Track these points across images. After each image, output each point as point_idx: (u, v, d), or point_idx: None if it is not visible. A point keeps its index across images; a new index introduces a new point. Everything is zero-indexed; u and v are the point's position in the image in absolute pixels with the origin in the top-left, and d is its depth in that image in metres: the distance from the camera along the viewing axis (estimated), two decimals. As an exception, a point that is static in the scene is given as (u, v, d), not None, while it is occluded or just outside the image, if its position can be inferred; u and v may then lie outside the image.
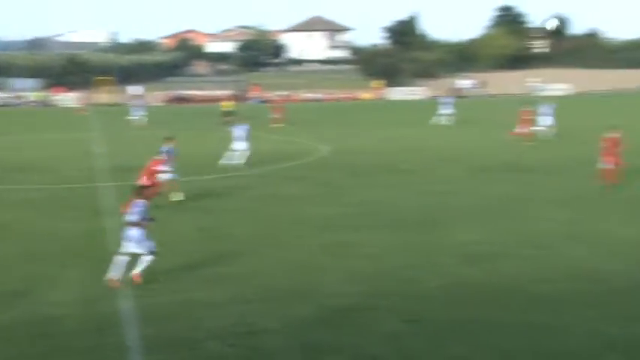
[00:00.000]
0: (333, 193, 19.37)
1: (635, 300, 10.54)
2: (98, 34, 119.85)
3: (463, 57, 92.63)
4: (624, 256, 12.76)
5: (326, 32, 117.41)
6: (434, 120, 41.00)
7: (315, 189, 19.92)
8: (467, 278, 11.56)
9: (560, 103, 32.90)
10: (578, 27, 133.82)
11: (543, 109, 32.55)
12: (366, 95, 72.83)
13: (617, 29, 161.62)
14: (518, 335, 9.20)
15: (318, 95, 71.44)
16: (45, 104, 65.78)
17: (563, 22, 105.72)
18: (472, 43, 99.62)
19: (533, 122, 31.21)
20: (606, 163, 19.43)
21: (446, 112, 40.86)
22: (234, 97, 58.68)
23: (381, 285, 11.26)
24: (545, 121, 32.00)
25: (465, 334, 9.23)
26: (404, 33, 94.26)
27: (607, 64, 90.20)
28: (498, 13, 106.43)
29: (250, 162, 23.70)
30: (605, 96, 63.33)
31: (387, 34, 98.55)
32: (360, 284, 11.29)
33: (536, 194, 18.64)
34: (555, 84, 70.06)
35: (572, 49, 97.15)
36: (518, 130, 30.84)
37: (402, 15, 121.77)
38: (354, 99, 71.30)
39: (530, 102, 36.99)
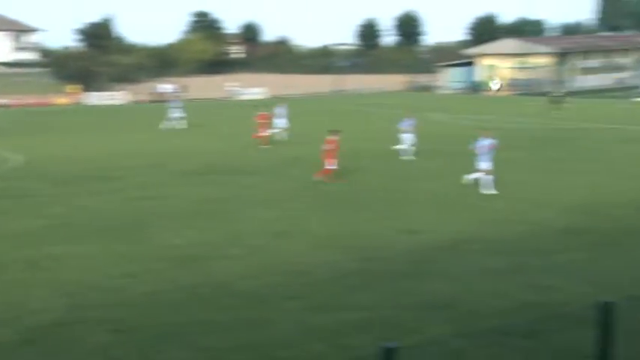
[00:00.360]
0: (32, 204, 17.98)
1: (337, 289, 11.49)
2: None
3: (163, 61, 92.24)
4: (327, 249, 13.85)
5: (10, 32, 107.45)
6: (165, 124, 39.39)
7: (11, 202, 18.29)
8: (178, 281, 11.64)
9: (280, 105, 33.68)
10: (269, 34, 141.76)
11: (278, 110, 32.73)
12: (61, 100, 68.50)
13: (304, 37, 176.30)
14: (230, 333, 9.51)
15: (4, 101, 65.10)
16: None
17: (255, 29, 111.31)
18: (171, 48, 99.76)
19: (270, 125, 31.14)
20: (328, 164, 20.99)
21: (176, 115, 39.63)
22: None
23: (90, 296, 10.84)
24: (279, 123, 32.29)
25: (176, 338, 9.29)
26: (98, 36, 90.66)
27: (297, 70, 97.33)
28: (194, 19, 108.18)
29: None
30: (300, 99, 68.04)
31: (80, 37, 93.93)
32: (67, 298, 10.76)
33: (251, 195, 19.22)
34: (252, 88, 73.24)
35: (266, 55, 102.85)
36: (258, 133, 30.24)
37: (96, 17, 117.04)
38: (49, 104, 66.55)
39: (265, 105, 37.22)
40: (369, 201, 18.80)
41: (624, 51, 70.92)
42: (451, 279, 12.35)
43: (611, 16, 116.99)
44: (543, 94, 59.25)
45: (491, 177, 19.79)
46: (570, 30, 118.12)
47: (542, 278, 12.20)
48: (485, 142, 19.99)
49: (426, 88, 71.42)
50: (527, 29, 69.79)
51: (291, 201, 18.60)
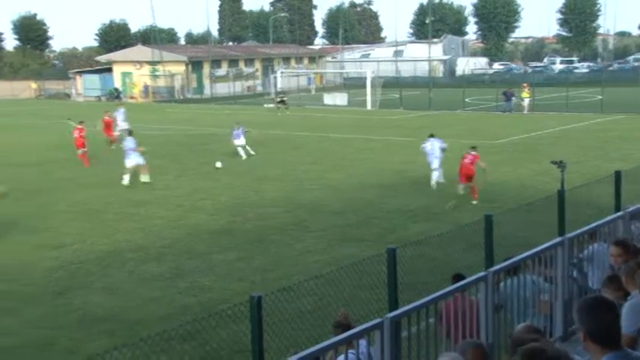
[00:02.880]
0: None
1: None
2: None
3: None
4: None
5: None
6: None
7: None
8: None
9: None
10: None
11: None
12: None
13: None
14: None
15: None
16: None
17: None
18: None
19: None
20: None
21: None
22: None
23: None
24: None
25: None
26: None
27: None
28: None
29: None
30: None
31: None
32: None
33: None
34: None
35: None
36: None
37: None
38: None
39: None
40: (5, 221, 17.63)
41: (250, 60, 77.00)
42: (109, 291, 12.10)
43: (233, 27, 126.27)
44: (183, 100, 61.62)
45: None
46: (197, 40, 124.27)
47: (200, 280, 12.66)
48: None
49: (61, 96, 68.17)
50: (157, 37, 71.06)
51: None
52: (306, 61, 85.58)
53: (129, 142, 22.99)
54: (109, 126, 31.74)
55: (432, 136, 21.61)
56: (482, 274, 6.28)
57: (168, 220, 17.36)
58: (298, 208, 18.38)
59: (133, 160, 22.38)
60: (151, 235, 15.94)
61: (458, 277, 7.09)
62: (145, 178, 22.42)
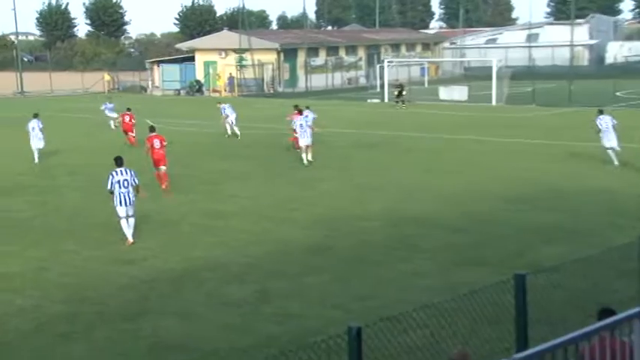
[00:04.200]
0: None
1: (41, 341, 11.36)
2: None
3: None
4: (18, 293, 13.69)
5: None
6: None
7: None
8: None
9: None
10: None
11: None
12: None
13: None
14: None
15: None
16: None
17: None
18: None
19: None
20: None
21: None
22: None
23: None
24: None
25: None
26: None
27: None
28: None
29: None
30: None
31: None
32: None
33: None
34: None
35: None
36: None
37: None
38: None
39: None
40: (68, 227, 18.52)
41: (352, 47, 77.39)
42: (183, 315, 12.36)
43: (333, 9, 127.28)
44: (273, 94, 62.71)
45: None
46: (291, 24, 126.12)
47: (288, 305, 12.72)
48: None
49: (136, 89, 70.92)
50: (246, 21, 72.61)
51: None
52: (419, 48, 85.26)
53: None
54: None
55: (601, 112, 25.44)
56: (637, 309, 5.96)
57: (253, 235, 17.60)
58: (406, 223, 18.27)
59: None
60: (232, 252, 16.18)
61: (606, 313, 6.87)
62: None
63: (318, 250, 16.20)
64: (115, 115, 39.12)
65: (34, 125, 29.85)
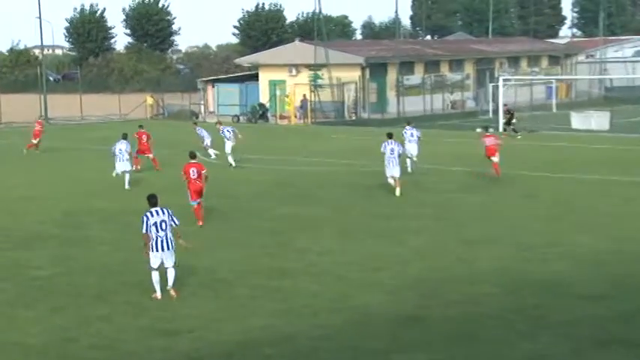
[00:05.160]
0: None
1: None
2: None
3: None
4: None
5: None
6: None
7: None
8: None
9: None
10: None
11: None
12: None
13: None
14: None
15: None
16: None
17: None
18: None
19: None
20: None
21: None
22: None
23: None
24: None
25: None
26: None
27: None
28: None
29: None
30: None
31: None
32: None
33: None
34: None
35: None
36: None
37: None
38: None
39: None
40: (98, 289, 18.84)
41: (457, 62, 77.31)
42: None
43: (433, 14, 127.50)
44: (355, 122, 62.86)
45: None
46: (380, 32, 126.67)
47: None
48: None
49: (185, 115, 71.58)
50: (323, 29, 73.23)
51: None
52: (544, 62, 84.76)
53: None
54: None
55: None
56: None
57: (326, 300, 17.60)
58: (526, 288, 18.04)
59: None
60: (300, 322, 16.21)
61: None
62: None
63: (409, 321, 16.10)
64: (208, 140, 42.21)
65: (121, 147, 33.56)
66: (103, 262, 21.35)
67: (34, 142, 45.45)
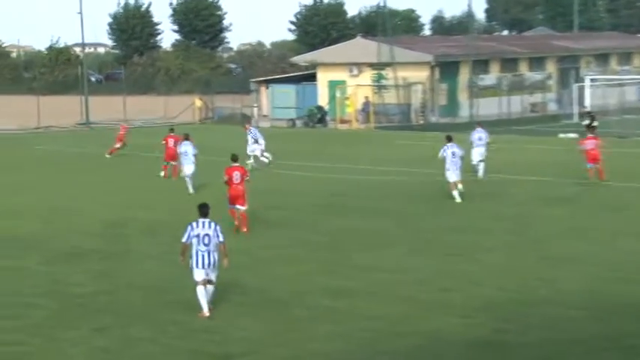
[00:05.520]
0: None
1: None
2: None
3: None
4: None
5: None
6: None
7: None
8: None
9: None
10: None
11: None
12: None
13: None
14: None
15: None
16: None
17: None
18: None
19: None
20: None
21: None
22: None
23: None
24: None
25: None
26: None
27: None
28: None
29: None
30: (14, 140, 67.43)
31: None
32: None
33: None
34: None
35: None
36: None
37: None
38: None
39: None
40: (142, 308, 19.05)
41: (538, 60, 76.72)
42: None
43: (511, 7, 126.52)
44: (423, 127, 62.59)
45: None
46: (451, 27, 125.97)
47: None
48: None
49: (237, 118, 71.75)
50: (388, 24, 72.99)
51: None
52: (637, 59, 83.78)
53: None
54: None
55: None
56: None
57: (389, 323, 17.56)
58: (616, 313, 17.88)
59: None
60: (361, 346, 16.20)
61: None
62: None
63: (483, 347, 16.04)
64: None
65: (187, 149, 35.26)
66: (148, 279, 21.57)
67: (117, 146, 47.18)
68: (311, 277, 21.43)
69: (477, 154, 36.19)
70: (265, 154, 42.02)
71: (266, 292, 20.09)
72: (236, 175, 26.20)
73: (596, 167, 34.08)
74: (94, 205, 31.76)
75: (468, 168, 34.33)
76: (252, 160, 40.39)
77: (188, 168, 34.93)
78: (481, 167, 35.99)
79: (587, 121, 49.95)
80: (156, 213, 30.34)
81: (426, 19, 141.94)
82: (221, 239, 18.31)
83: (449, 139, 32.24)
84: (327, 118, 68.32)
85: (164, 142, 39.51)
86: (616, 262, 21.97)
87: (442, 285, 20.30)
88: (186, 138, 36.20)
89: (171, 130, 41.11)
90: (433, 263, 22.48)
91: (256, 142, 41.71)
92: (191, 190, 33.93)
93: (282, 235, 26.23)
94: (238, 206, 26.16)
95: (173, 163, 38.37)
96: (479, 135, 36.46)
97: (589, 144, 34.11)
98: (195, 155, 35.12)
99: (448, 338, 16.58)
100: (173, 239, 25.08)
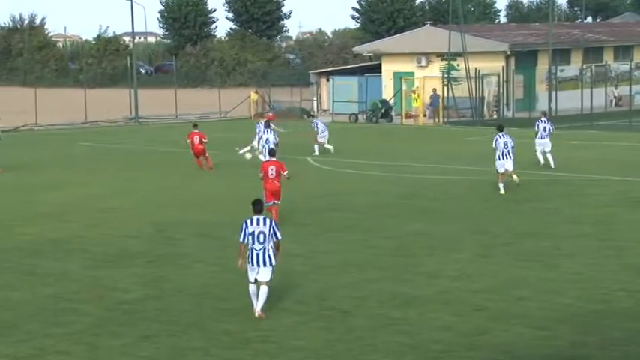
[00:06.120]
0: None
1: None
2: None
3: None
4: None
5: None
6: None
7: None
8: None
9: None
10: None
11: None
12: None
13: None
14: None
15: None
16: None
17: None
18: None
19: None
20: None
21: None
22: None
23: None
24: None
25: None
26: None
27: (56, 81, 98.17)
28: None
29: None
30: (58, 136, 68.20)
31: None
32: None
33: None
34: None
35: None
36: None
37: None
38: None
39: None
40: (194, 315, 19.03)
41: (625, 49, 75.90)
42: None
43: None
44: (496, 122, 62.12)
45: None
46: (529, 14, 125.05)
47: None
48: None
49: (295, 113, 71.87)
50: (460, 11, 72.54)
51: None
52: None
53: None
54: None
55: None
56: None
57: (460, 335, 17.49)
58: None
59: None
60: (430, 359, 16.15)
61: None
62: None
63: (563, 361, 15.91)
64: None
65: (268, 137, 36.42)
66: (200, 284, 21.65)
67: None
68: (375, 283, 21.37)
69: (542, 145, 37.49)
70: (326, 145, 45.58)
71: (326, 299, 20.08)
72: (271, 170, 27.29)
73: None
74: (141, 206, 31.99)
75: (546, 165, 34.02)
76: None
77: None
78: (550, 158, 37.39)
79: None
80: (207, 215, 30.46)
81: (501, 4, 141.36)
82: (278, 236, 18.57)
83: (500, 129, 33.84)
84: (392, 112, 68.15)
85: (189, 139, 40.65)
86: None
87: (517, 293, 20.15)
88: (267, 125, 37.95)
89: (195, 126, 42.51)
90: (508, 270, 22.33)
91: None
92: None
93: (344, 239, 26.20)
94: (274, 201, 27.33)
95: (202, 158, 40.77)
96: (544, 125, 37.26)
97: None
98: (276, 144, 35.42)
99: (524, 352, 16.47)
100: (225, 242, 25.33)
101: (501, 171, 32.46)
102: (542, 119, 38.05)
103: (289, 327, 18.05)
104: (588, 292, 20.22)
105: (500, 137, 32.96)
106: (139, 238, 27.26)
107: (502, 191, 32.21)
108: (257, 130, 41.65)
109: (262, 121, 41.27)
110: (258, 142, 39.87)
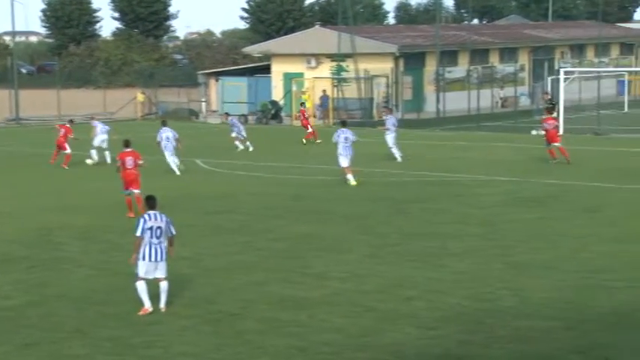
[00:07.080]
0: None
1: None
2: None
3: None
4: None
5: None
6: None
7: None
8: None
9: None
10: None
11: None
12: None
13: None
14: None
15: None
16: None
17: None
18: None
19: None
20: None
21: None
22: None
23: None
24: None
25: None
26: None
27: None
28: None
29: None
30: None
31: None
32: None
33: None
34: None
35: None
36: None
37: None
38: None
39: None
40: (76, 322, 18.73)
41: (510, 51, 77.12)
42: None
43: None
44: (379, 123, 62.46)
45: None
46: (417, 16, 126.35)
47: None
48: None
49: (183, 114, 71.57)
50: (349, 12, 72.88)
51: None
52: (615, 51, 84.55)
53: None
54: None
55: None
56: None
57: (350, 336, 17.56)
58: (589, 323, 17.99)
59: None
60: (319, 362, 16.18)
61: None
62: None
63: (450, 360, 16.07)
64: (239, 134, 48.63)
65: (167, 135, 37.89)
66: (82, 289, 21.38)
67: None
68: (264, 286, 21.39)
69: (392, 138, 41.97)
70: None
71: (214, 303, 20.01)
72: (129, 161, 29.60)
73: (558, 147, 37.47)
74: (23, 209, 31.50)
75: (434, 166, 34.26)
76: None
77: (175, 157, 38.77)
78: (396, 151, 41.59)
79: (547, 105, 50.03)
80: (90, 219, 30.08)
81: (390, 6, 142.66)
82: (173, 232, 19.19)
83: (343, 124, 37.54)
84: (282, 113, 68.26)
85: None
86: (588, 269, 22.09)
87: (406, 294, 20.33)
88: (164, 123, 39.50)
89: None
90: (397, 270, 22.50)
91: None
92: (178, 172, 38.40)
93: (233, 242, 26.15)
94: (133, 190, 29.32)
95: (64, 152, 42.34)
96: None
97: (550, 124, 36.62)
98: (178, 140, 38.72)
99: (413, 351, 16.62)
100: (108, 246, 25.09)
101: (343, 165, 35.37)
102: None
103: (176, 332, 17.95)
104: (474, 291, 20.49)
105: (342, 132, 36.07)
106: (20, 242, 26.82)
107: (353, 182, 34.81)
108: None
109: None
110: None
